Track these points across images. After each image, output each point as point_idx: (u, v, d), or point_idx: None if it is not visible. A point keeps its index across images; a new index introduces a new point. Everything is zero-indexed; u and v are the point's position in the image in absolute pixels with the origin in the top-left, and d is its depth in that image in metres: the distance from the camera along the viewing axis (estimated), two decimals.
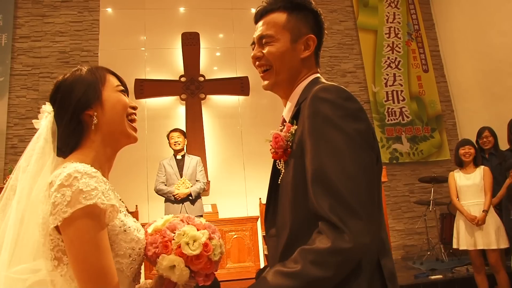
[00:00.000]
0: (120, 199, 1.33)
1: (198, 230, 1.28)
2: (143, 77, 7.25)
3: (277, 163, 1.27)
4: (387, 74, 8.04)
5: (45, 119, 1.30)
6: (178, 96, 7.39)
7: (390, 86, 7.99)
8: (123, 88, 1.37)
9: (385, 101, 7.93)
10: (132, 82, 6.90)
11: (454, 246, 4.78)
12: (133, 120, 1.36)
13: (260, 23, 1.35)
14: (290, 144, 1.22)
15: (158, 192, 5.41)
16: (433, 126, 7.92)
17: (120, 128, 1.32)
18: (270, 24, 1.33)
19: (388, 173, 6.79)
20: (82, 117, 1.28)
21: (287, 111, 1.31)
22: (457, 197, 4.81)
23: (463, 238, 4.66)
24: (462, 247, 4.66)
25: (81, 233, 1.09)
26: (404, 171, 7.68)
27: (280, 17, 1.33)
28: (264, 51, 1.33)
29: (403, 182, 7.62)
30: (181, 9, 7.81)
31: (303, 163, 1.11)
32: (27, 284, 1.14)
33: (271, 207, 1.31)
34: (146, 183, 6.56)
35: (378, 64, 8.06)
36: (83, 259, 1.09)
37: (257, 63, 1.36)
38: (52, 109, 1.30)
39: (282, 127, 1.27)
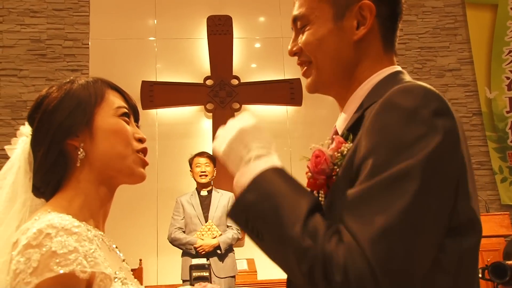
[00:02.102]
0: (124, 260, 1.30)
1: None
2: (153, 79, 6.73)
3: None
4: (511, 71, 7.04)
5: (21, 145, 1.28)
6: (203, 106, 6.82)
7: None
8: (126, 111, 1.30)
9: (507, 113, 6.92)
10: (137, 85, 6.33)
11: None
12: (138, 153, 1.31)
13: None
14: (337, 169, 1.05)
15: (173, 242, 4.86)
16: None
17: (118, 165, 1.26)
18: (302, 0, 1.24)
19: None
20: (65, 148, 1.23)
21: (342, 120, 1.15)
22: None
23: None
24: None
25: None
26: None
27: None
28: (300, 42, 1.17)
29: None
30: None
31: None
32: None
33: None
34: (155, 228, 6.07)
35: (497, 58, 7.02)
36: None
37: (297, 59, 1.22)
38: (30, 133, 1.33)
39: (331, 141, 1.11)
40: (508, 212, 5.27)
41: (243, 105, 6.74)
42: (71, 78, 1.29)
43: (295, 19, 1.18)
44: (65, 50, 6.64)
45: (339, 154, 1.03)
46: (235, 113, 6.60)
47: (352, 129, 1.05)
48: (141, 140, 1.30)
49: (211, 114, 6.72)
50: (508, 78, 6.97)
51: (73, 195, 1.21)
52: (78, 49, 6.67)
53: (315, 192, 1.12)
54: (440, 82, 6.98)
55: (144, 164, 1.30)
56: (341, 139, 1.06)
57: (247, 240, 6.16)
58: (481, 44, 7.10)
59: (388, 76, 1.09)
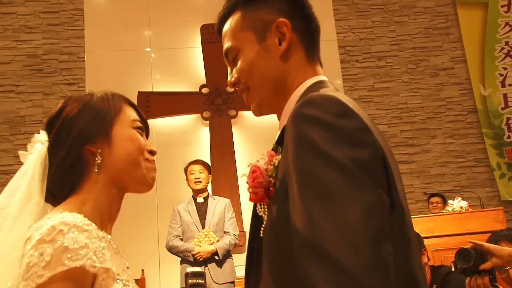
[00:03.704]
0: (128, 267, 1.33)
1: None
2: (150, 89, 6.82)
3: (257, 208, 1.16)
4: (505, 68, 7.10)
5: (36, 151, 1.31)
6: (199, 114, 6.90)
7: (510, 85, 7.09)
8: (141, 125, 1.40)
9: (502, 109, 7.05)
10: (134, 96, 6.32)
11: None
12: (149, 163, 1.39)
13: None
14: (273, 181, 1.11)
15: (171, 250, 4.90)
16: None
17: (131, 172, 1.33)
18: (228, 33, 1.27)
19: (510, 217, 6.45)
20: (83, 153, 1.30)
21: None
22: None
23: None
24: None
25: None
26: None
27: (235, 19, 1.26)
28: (235, 71, 1.26)
29: None
30: None
31: (288, 209, 1.00)
32: None
33: (253, 271, 1.19)
34: (156, 237, 6.13)
35: (490, 55, 7.17)
36: None
37: (237, 90, 1.31)
38: (47, 139, 1.34)
39: (264, 157, 1.18)
40: (502, 208, 5.33)
41: (239, 112, 6.81)
42: (90, 91, 1.37)
43: (226, 54, 1.26)
44: (61, 64, 6.75)
45: (272, 167, 1.10)
46: (232, 120, 6.83)
47: (280, 141, 1.10)
48: (152, 152, 1.37)
49: (208, 122, 6.80)
50: (501, 75, 7.07)
51: (86, 198, 1.26)
52: (74, 62, 6.77)
53: (257, 204, 1.17)
54: (434, 81, 7.17)
55: (155, 170, 1.37)
56: (272, 152, 1.13)
57: (246, 246, 6.40)
58: (474, 42, 7.23)
59: (310, 86, 1.16)
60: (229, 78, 1.29)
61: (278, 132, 1.17)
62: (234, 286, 4.60)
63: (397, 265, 0.91)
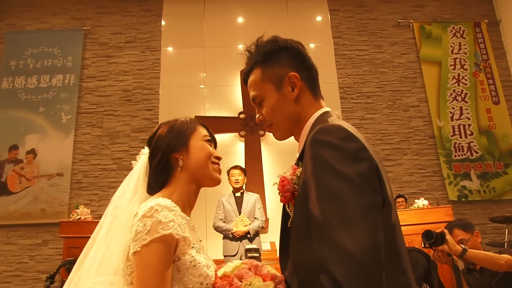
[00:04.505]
0: (201, 241, 1.51)
1: (264, 281, 1.34)
2: (203, 114, 7.45)
3: (286, 207, 1.32)
4: (453, 108, 8.01)
5: (141, 160, 1.53)
6: (237, 133, 7.55)
7: (456, 120, 7.96)
8: (210, 138, 1.57)
9: (452, 136, 7.89)
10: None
11: None
12: (216, 165, 1.55)
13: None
14: (297, 187, 1.25)
15: (217, 229, 5.57)
16: (506, 162, 7.80)
17: (204, 171, 1.50)
18: (252, 86, 1.41)
19: (456, 212, 6.83)
20: (170, 159, 1.48)
21: (299, 152, 1.34)
22: None
23: None
24: None
25: (150, 258, 1.24)
26: (474, 210, 7.58)
27: (256, 74, 1.40)
28: (263, 113, 1.40)
29: (474, 222, 6.61)
30: (239, 46, 8.00)
31: (308, 207, 1.13)
32: None
33: (284, 250, 1.35)
34: (205, 220, 6.63)
35: (443, 97, 8.06)
36: (142, 281, 1.23)
37: (265, 125, 1.43)
38: (148, 151, 1.53)
39: (290, 169, 1.32)
40: (450, 205, 6.09)
41: (266, 132, 7.32)
42: (176, 118, 1.58)
43: (253, 99, 1.40)
44: (144, 96, 7.71)
45: (295, 177, 1.24)
46: (261, 138, 7.42)
47: (301, 158, 1.24)
48: (218, 158, 1.54)
49: (243, 138, 7.47)
50: (451, 112, 7.95)
51: (173, 190, 1.44)
52: (152, 95, 7.71)
53: (286, 204, 1.30)
54: (406, 115, 7.96)
55: (220, 171, 1.55)
56: (295, 166, 1.27)
57: (270, 228, 6.83)
58: (433, 88, 8.09)
59: (318, 117, 1.31)
60: (257, 116, 1.43)
61: (298, 152, 1.31)
62: (260, 256, 4.56)
63: (386, 245, 1.03)
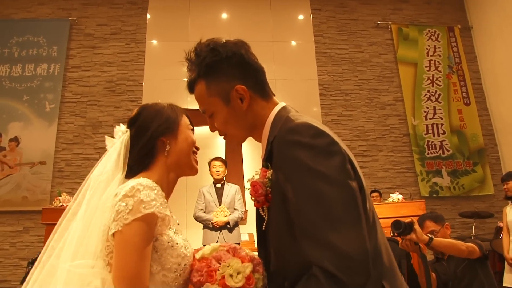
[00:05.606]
0: (178, 224, 1.50)
1: (242, 262, 1.34)
2: (185, 107, 5.72)
3: (260, 210, 1.30)
4: (427, 107, 8.19)
5: (120, 138, 1.48)
6: None
7: (430, 119, 8.14)
8: (192, 128, 1.57)
9: (425, 134, 8.07)
10: None
11: (505, 284, 4.81)
12: (195, 154, 1.56)
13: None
14: (270, 189, 1.24)
15: (197, 219, 5.56)
16: (475, 160, 8.00)
17: (186, 159, 1.50)
18: (199, 99, 1.35)
19: (428, 207, 6.84)
20: (157, 142, 1.46)
21: (262, 154, 1.33)
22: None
23: (508, 276, 4.74)
24: (506, 284, 4.75)
25: (131, 236, 1.23)
26: (444, 205, 7.74)
27: (201, 88, 1.33)
28: (215, 124, 1.37)
29: (444, 217, 7.45)
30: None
31: (285, 209, 1.13)
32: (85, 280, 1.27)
33: (262, 254, 1.36)
34: (185, 210, 6.66)
35: (418, 97, 8.23)
36: (122, 260, 1.22)
37: (219, 135, 1.40)
38: (127, 130, 1.49)
39: (258, 173, 1.30)
40: (423, 200, 6.11)
41: None
42: (158, 101, 1.53)
43: (203, 112, 1.37)
44: (128, 87, 7.77)
45: (266, 179, 1.24)
46: None
47: (268, 159, 1.23)
48: (197, 148, 1.55)
49: None
50: (425, 111, 8.16)
51: (153, 174, 1.43)
52: (136, 87, 7.77)
53: (260, 208, 1.29)
54: (382, 112, 8.12)
55: (197, 162, 1.55)
56: (264, 169, 1.27)
57: (249, 219, 6.64)
58: (408, 88, 8.27)
59: (276, 115, 1.28)
60: (210, 128, 1.39)
61: (262, 152, 1.30)
62: (240, 245, 4.62)
63: (367, 228, 1.05)
